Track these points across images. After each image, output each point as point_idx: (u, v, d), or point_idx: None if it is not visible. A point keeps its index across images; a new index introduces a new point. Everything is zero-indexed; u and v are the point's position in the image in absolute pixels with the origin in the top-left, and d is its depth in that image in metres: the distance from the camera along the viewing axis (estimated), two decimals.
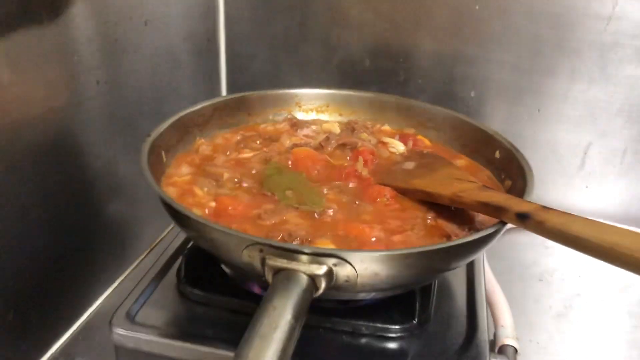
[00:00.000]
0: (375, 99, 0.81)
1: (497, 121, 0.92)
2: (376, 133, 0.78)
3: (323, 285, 0.45)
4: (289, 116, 0.81)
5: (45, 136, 0.62)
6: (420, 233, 0.55)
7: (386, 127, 0.80)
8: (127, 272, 0.78)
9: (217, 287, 0.59)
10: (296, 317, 0.41)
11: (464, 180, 0.59)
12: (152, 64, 0.81)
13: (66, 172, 0.66)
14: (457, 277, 0.66)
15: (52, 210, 0.64)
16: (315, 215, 0.57)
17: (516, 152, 0.64)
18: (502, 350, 0.62)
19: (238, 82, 1.04)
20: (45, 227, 0.63)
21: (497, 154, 0.68)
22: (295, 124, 0.78)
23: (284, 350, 0.38)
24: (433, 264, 0.49)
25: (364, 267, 0.46)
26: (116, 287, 0.76)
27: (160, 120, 0.66)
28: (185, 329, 0.56)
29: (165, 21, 0.83)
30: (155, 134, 0.62)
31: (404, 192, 0.61)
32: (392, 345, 0.55)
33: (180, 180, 0.63)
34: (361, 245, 0.52)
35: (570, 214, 0.45)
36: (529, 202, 0.50)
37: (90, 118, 0.69)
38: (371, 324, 0.55)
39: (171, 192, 0.60)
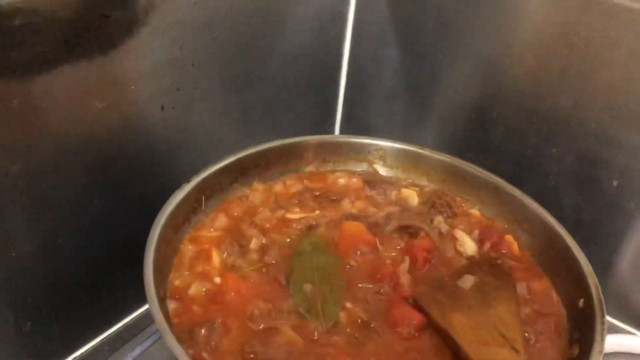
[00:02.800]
0: (471, 175, 0.68)
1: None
2: (460, 216, 0.66)
3: None
4: (369, 169, 0.72)
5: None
6: None
7: (475, 211, 0.67)
8: None
9: None
10: None
11: (506, 345, 0.46)
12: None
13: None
14: None
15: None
16: (316, 335, 0.49)
17: (600, 316, 0.49)
18: None
19: (353, 115, 0.96)
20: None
21: (581, 303, 0.52)
22: (370, 182, 0.69)
23: None
24: None
25: None
26: None
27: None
28: None
29: None
30: (192, 183, 0.59)
31: (435, 326, 0.51)
32: None
33: (206, 236, 0.59)
34: None
35: None
36: None
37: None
38: None
39: (188, 250, 0.57)
